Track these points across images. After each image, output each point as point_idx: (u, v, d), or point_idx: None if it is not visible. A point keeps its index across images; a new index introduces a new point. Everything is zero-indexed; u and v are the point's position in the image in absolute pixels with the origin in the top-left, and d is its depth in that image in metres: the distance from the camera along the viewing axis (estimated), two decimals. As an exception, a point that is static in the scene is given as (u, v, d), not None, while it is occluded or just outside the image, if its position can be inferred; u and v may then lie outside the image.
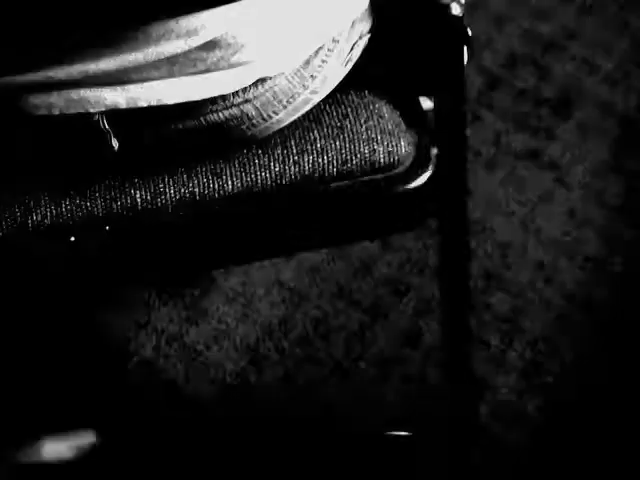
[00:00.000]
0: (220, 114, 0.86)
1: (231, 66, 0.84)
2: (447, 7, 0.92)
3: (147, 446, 1.30)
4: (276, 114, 0.88)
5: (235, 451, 1.29)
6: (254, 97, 0.86)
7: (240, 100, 0.86)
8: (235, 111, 0.86)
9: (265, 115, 0.88)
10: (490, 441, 1.29)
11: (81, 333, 1.38)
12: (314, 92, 0.90)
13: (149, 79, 0.82)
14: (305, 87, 0.89)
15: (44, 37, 0.79)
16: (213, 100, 0.85)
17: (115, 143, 0.86)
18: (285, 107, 0.88)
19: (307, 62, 0.88)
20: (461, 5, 0.92)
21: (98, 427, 1.29)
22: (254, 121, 0.88)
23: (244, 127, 0.88)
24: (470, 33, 0.94)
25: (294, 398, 1.34)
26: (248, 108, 0.87)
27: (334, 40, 0.89)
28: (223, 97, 0.85)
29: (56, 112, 0.82)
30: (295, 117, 0.90)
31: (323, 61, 0.89)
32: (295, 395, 1.34)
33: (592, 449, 1.28)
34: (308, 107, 0.91)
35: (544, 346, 1.38)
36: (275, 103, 0.88)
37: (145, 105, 0.83)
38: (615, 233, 1.47)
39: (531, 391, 1.34)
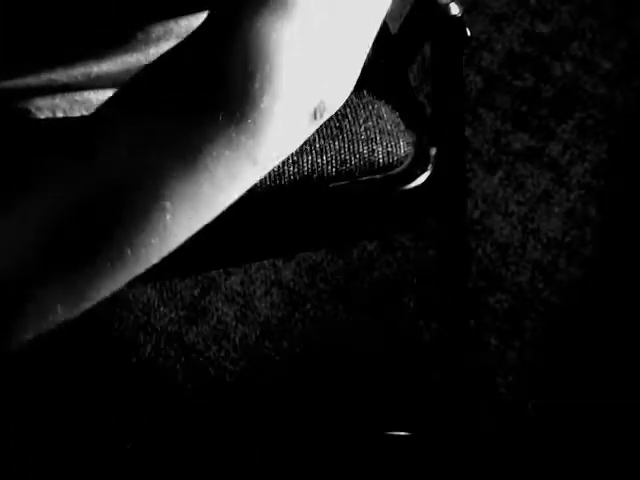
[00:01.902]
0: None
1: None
2: (446, 7, 0.92)
3: (147, 446, 1.30)
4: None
5: (235, 451, 1.30)
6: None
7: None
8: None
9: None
10: (489, 441, 1.29)
11: (80, 333, 1.38)
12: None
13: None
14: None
15: (44, 40, 0.79)
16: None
17: None
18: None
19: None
20: (460, 5, 0.92)
21: (96, 427, 1.29)
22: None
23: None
24: (469, 33, 0.94)
25: (294, 398, 1.34)
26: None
27: None
28: None
29: (60, 114, 0.82)
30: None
31: None
32: (295, 395, 1.35)
33: (592, 449, 1.28)
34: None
35: (544, 346, 1.38)
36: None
37: None
38: (615, 233, 1.47)
39: (531, 391, 1.34)
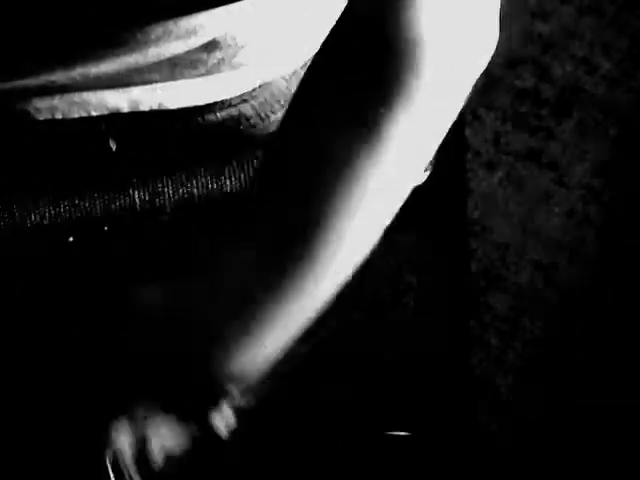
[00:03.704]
0: (218, 114, 0.86)
1: (232, 68, 0.84)
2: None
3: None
4: (274, 114, 0.89)
5: (235, 451, 1.29)
6: (251, 97, 0.86)
7: (237, 100, 0.86)
8: (233, 111, 0.86)
9: (263, 115, 0.88)
10: (489, 441, 1.29)
11: (79, 334, 1.38)
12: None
13: (151, 81, 0.82)
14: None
15: (43, 40, 0.79)
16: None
17: (113, 145, 0.86)
18: (283, 107, 0.89)
19: (304, 62, 0.88)
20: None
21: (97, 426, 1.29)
22: (252, 121, 0.88)
23: (242, 127, 0.88)
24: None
25: (294, 398, 1.34)
26: (246, 108, 0.87)
27: None
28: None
29: (59, 116, 0.82)
30: (293, 117, 0.91)
31: None
32: (295, 395, 1.35)
33: (592, 450, 1.28)
34: (307, 107, 0.91)
35: (544, 346, 1.38)
36: (273, 103, 0.88)
37: (147, 109, 0.83)
38: (615, 233, 1.47)
39: (531, 391, 1.34)
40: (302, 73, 0.88)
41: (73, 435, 0.71)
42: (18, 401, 0.70)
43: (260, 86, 0.86)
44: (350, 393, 1.35)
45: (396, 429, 1.30)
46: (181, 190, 0.91)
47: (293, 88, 0.88)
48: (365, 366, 1.38)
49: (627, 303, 1.41)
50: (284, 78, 0.87)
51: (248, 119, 0.88)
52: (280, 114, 0.89)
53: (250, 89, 0.85)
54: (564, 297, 1.42)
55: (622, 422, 1.30)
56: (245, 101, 0.86)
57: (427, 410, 1.32)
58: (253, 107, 0.87)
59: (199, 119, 0.86)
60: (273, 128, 0.90)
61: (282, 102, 0.88)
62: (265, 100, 0.87)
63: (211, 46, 0.81)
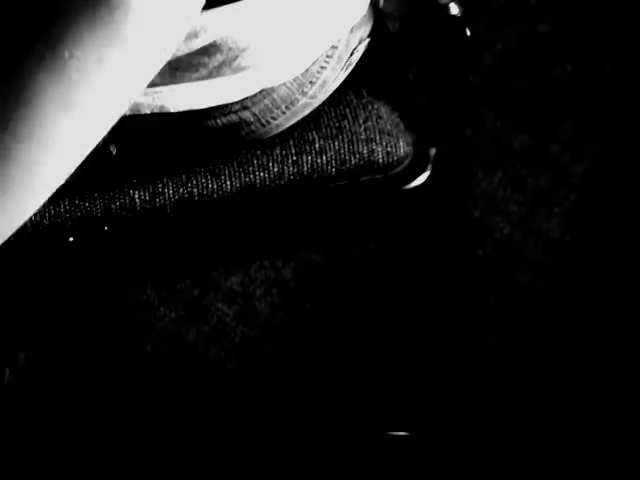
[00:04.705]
0: (218, 121, 0.86)
1: (233, 72, 0.84)
2: (446, 7, 0.92)
3: (146, 446, 1.30)
4: (275, 119, 0.89)
5: (235, 451, 1.30)
6: (252, 104, 0.86)
7: (238, 107, 0.86)
8: (233, 118, 0.86)
9: (263, 121, 0.88)
10: (489, 441, 1.29)
11: (80, 334, 1.38)
12: (313, 97, 0.90)
13: (153, 85, 0.82)
14: (304, 93, 0.89)
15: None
16: (211, 107, 0.85)
17: (113, 149, 0.86)
18: (284, 113, 0.88)
19: (306, 69, 0.88)
20: (460, 5, 0.93)
21: (97, 427, 1.29)
22: (252, 127, 0.88)
23: (243, 133, 0.88)
24: (469, 33, 0.94)
25: (294, 398, 1.34)
26: (246, 115, 0.87)
27: (332, 46, 0.89)
28: (221, 104, 0.85)
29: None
30: (294, 121, 0.91)
31: (322, 67, 0.89)
32: (295, 395, 1.35)
33: (593, 450, 1.28)
34: (307, 111, 0.91)
35: (544, 346, 1.38)
36: (274, 109, 0.88)
37: (148, 112, 0.83)
38: (615, 233, 1.47)
39: (531, 391, 1.34)
40: (303, 79, 0.88)
41: None
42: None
43: (261, 92, 0.86)
44: (350, 393, 1.35)
45: (396, 429, 1.30)
46: (181, 190, 0.91)
47: (294, 94, 0.88)
48: (365, 366, 1.38)
49: (627, 302, 1.41)
50: (285, 84, 0.87)
51: (249, 124, 0.88)
52: (281, 119, 0.89)
53: (251, 94, 0.85)
54: (564, 297, 1.42)
55: (622, 422, 1.30)
56: (246, 108, 0.86)
57: (427, 410, 1.33)
58: (254, 114, 0.87)
59: (200, 124, 0.86)
60: (274, 132, 0.90)
61: (283, 108, 0.88)
62: (266, 107, 0.87)
63: (212, 49, 0.81)
